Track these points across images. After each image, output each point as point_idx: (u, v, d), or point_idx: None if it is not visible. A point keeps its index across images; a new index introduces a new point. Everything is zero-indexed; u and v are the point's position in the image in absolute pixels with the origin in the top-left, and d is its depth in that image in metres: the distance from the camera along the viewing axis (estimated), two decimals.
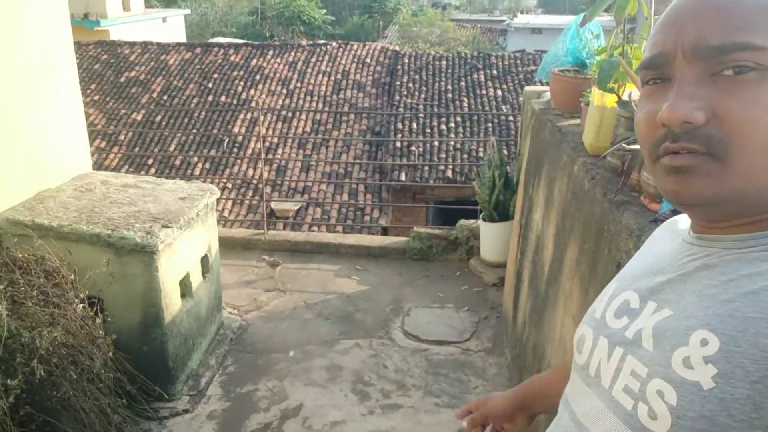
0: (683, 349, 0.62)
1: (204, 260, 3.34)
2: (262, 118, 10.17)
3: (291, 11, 28.61)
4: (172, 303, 2.95)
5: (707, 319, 0.62)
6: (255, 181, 11.07)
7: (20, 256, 2.50)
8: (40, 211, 2.75)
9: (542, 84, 5.51)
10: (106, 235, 2.65)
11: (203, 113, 12.51)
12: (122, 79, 13.18)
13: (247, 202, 10.53)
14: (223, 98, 12.93)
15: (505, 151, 6.49)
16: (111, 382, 2.69)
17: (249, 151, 11.77)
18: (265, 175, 11.30)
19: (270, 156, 11.41)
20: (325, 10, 31.62)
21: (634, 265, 0.86)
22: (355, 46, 15.04)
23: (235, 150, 11.73)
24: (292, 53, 14.29)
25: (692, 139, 0.63)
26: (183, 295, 3.10)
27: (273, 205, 10.08)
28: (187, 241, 3.04)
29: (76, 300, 2.52)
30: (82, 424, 2.48)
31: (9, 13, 2.82)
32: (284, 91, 13.10)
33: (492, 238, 4.49)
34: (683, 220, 0.84)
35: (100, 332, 2.67)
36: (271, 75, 13.52)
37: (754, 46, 0.61)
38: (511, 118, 11.36)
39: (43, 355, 2.24)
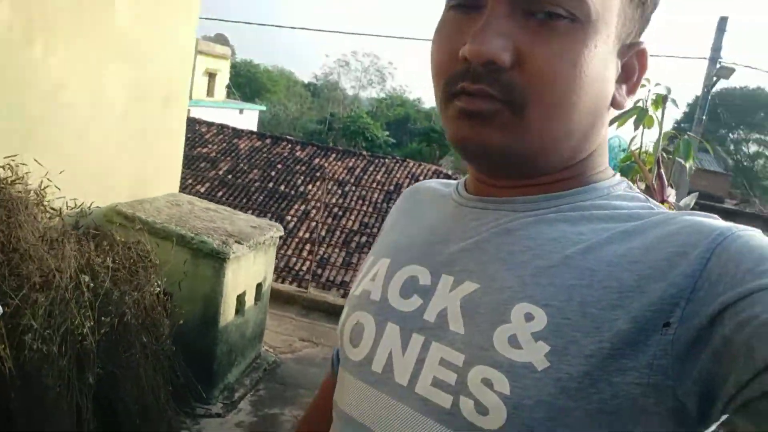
0: (505, 326, 0.55)
1: (258, 287, 3.75)
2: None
3: (357, 126, 30.48)
4: (227, 312, 3.34)
5: (526, 290, 0.56)
6: (296, 269, 11.59)
7: (121, 238, 2.97)
8: (139, 209, 3.26)
9: None
10: (189, 237, 3.12)
11: (261, 197, 13.33)
12: (194, 153, 14.22)
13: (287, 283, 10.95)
14: (282, 187, 13.77)
15: None
16: (166, 366, 3.05)
17: (296, 240, 12.39)
18: (307, 265, 11.88)
19: (315, 247, 11.97)
20: (387, 132, 33.50)
21: (399, 237, 0.75)
22: (411, 164, 15.96)
23: (283, 237, 12.36)
24: (353, 159, 15.24)
25: (493, 83, 0.57)
26: (237, 311, 3.50)
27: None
28: (250, 263, 3.48)
29: (155, 283, 2.95)
30: (137, 389, 2.82)
31: (152, 53, 3.49)
32: (339, 191, 13.90)
33: None
34: (438, 185, 0.80)
35: (165, 320, 3.06)
36: (330, 175, 14.40)
37: None
38: None
39: (126, 313, 2.65)
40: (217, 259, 3.14)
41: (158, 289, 2.96)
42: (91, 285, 2.43)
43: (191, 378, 3.24)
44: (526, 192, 0.64)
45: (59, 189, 2.80)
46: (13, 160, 2.61)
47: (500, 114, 0.57)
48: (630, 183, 0.67)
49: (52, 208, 2.82)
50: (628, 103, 0.65)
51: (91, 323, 2.41)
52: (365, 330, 0.67)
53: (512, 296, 0.56)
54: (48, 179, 2.77)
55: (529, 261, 0.58)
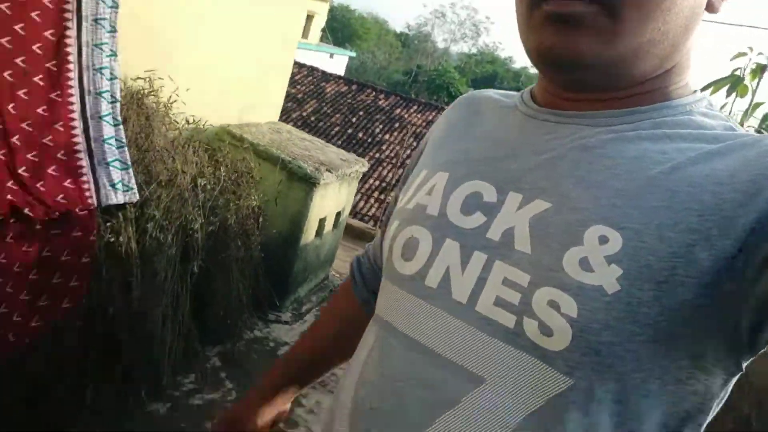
0: (577, 248, 0.54)
1: (338, 215, 4.15)
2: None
3: (442, 80, 30.40)
4: (309, 232, 3.75)
5: (602, 212, 0.54)
6: (363, 212, 12.07)
7: (228, 154, 3.40)
8: (246, 131, 3.68)
9: None
10: (287, 160, 3.52)
11: (340, 142, 13.77)
12: None
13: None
14: (360, 134, 14.16)
15: None
16: (251, 272, 3.49)
17: (366, 185, 12.82)
18: (374, 210, 12.33)
19: (383, 195, 12.38)
20: (473, 89, 33.24)
21: (457, 150, 0.72)
22: None
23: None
24: (433, 113, 15.40)
25: None
26: (316, 233, 3.91)
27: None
28: (335, 191, 3.87)
29: (254, 197, 3.37)
30: (226, 287, 3.28)
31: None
32: (415, 143, 14.18)
33: None
34: (497, 95, 0.77)
35: (257, 231, 3.50)
36: (409, 127, 14.66)
37: None
38: None
39: (228, 218, 3.08)
40: (309, 183, 3.53)
41: (255, 202, 3.38)
42: (208, 187, 2.85)
43: (269, 286, 3.69)
44: (605, 106, 0.62)
45: (185, 104, 3.22)
46: (152, 75, 3.04)
47: (594, 17, 0.54)
48: (711, 101, 0.64)
49: (175, 121, 3.26)
50: (722, 8, 0.61)
51: (201, 222, 2.84)
52: (420, 245, 0.65)
53: (587, 217, 0.54)
54: (176, 95, 3.19)
55: (606, 180, 0.56)
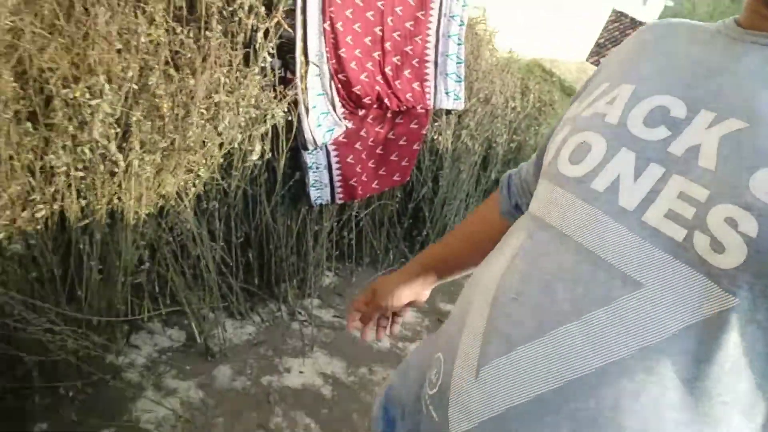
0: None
1: None
2: None
3: None
4: None
5: None
6: None
7: (536, 85, 3.77)
8: (554, 66, 4.01)
9: None
10: None
11: None
12: None
13: None
14: None
15: None
16: None
17: None
18: None
19: None
20: None
21: (646, 66, 0.69)
22: None
23: None
24: None
25: None
26: None
27: None
28: None
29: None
30: None
31: None
32: None
33: None
34: (696, 23, 0.73)
35: None
36: None
37: None
38: None
39: (526, 140, 3.50)
40: None
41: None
42: (517, 110, 3.28)
43: None
44: None
45: (506, 34, 3.64)
46: (484, 6, 3.48)
47: None
48: None
49: (496, 49, 3.70)
50: None
51: (505, 137, 3.30)
52: (592, 149, 0.64)
53: None
54: (500, 26, 3.61)
55: None
